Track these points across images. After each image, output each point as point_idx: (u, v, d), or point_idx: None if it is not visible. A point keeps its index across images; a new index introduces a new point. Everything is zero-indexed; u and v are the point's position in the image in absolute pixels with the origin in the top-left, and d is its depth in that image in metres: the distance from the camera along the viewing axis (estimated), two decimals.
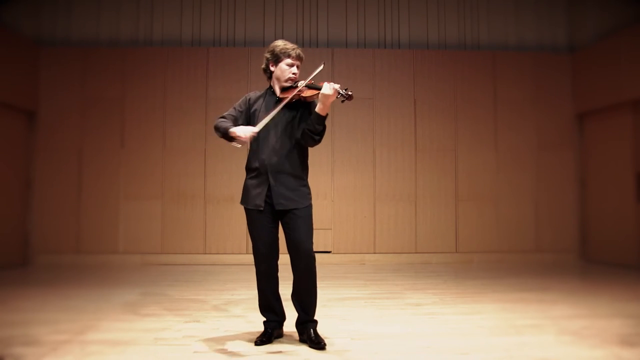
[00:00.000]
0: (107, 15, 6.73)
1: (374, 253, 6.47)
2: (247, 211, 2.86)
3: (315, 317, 2.85)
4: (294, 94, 2.75)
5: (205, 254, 6.36)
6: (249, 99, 2.91)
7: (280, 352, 2.68)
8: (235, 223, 6.40)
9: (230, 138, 2.72)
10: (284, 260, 2.85)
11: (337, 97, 2.65)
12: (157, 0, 6.76)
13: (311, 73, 2.78)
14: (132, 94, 6.51)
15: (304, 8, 6.87)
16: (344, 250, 6.42)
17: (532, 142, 6.73)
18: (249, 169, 2.90)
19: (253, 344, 2.78)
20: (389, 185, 6.58)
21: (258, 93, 2.95)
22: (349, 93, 2.64)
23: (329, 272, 5.55)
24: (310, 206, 2.83)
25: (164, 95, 6.53)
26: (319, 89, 2.67)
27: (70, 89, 6.46)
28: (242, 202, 2.90)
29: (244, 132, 2.67)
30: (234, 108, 2.89)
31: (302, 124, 2.77)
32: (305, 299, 2.80)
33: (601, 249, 6.37)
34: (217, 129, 2.79)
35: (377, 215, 6.52)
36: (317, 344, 2.71)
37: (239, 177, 6.43)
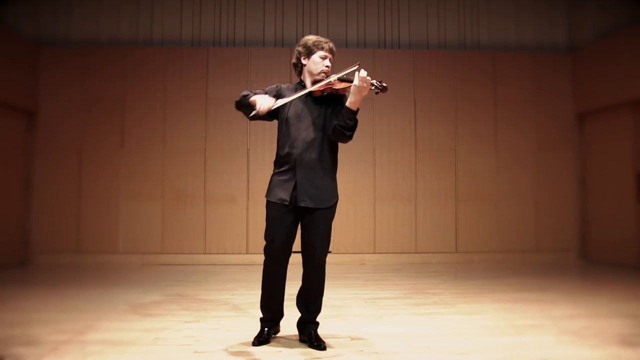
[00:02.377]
0: (107, 15, 6.73)
1: (374, 253, 6.47)
2: (269, 205, 2.77)
3: (317, 319, 2.85)
4: (325, 83, 2.67)
5: (205, 254, 6.36)
6: (280, 88, 2.85)
7: (280, 352, 2.68)
8: (235, 223, 6.40)
9: (248, 107, 2.68)
10: (293, 260, 2.83)
11: (370, 89, 2.59)
12: (157, 0, 6.77)
13: (343, 70, 2.74)
14: (132, 94, 6.51)
15: (304, 8, 6.87)
16: (344, 250, 6.42)
17: (532, 142, 6.73)
18: (277, 162, 2.81)
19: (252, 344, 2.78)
20: (389, 185, 6.58)
21: (288, 86, 2.89)
22: (384, 84, 2.58)
23: (329, 272, 5.49)
24: (334, 206, 2.78)
25: (164, 95, 6.53)
26: (352, 81, 2.60)
27: (70, 89, 6.46)
28: (267, 195, 2.80)
29: (262, 102, 2.62)
30: (262, 89, 2.83)
31: (333, 117, 2.69)
32: (313, 301, 2.80)
33: (601, 249, 6.37)
34: (239, 99, 2.75)
35: (377, 215, 6.52)
36: (318, 345, 2.71)
37: (239, 177, 6.49)
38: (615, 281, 4.97)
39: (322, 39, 2.82)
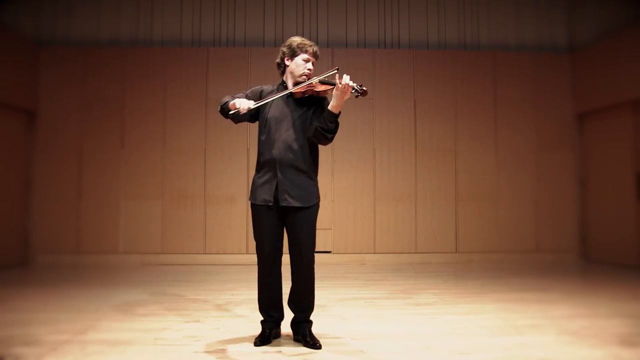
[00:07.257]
0: (107, 15, 6.73)
1: (374, 253, 6.47)
2: (254, 207, 2.80)
3: (311, 318, 2.85)
4: (306, 85, 2.71)
5: (205, 254, 6.36)
6: (261, 91, 2.88)
7: (280, 352, 2.68)
8: (235, 223, 6.40)
9: (228, 110, 2.72)
10: (283, 260, 2.84)
11: (351, 93, 2.62)
12: (157, 0, 6.77)
13: (323, 73, 2.77)
14: (132, 94, 6.51)
15: (304, 8, 6.87)
16: (344, 250, 6.42)
17: (532, 142, 6.74)
18: (258, 163, 2.84)
19: (252, 345, 2.78)
20: (389, 185, 6.58)
21: (270, 87, 2.91)
22: (364, 88, 2.62)
23: (329, 272, 5.55)
24: (316, 205, 2.79)
25: (164, 95, 6.53)
26: (333, 84, 2.64)
27: (70, 89, 6.46)
28: (251, 197, 2.84)
29: (241, 103, 2.65)
30: (243, 93, 2.87)
31: (315, 120, 2.73)
32: (304, 300, 2.80)
33: (601, 249, 6.37)
34: (221, 105, 2.80)
35: (377, 215, 6.52)
36: (313, 344, 2.71)
37: (239, 177, 6.49)
38: (615, 281, 4.97)
39: (307, 42, 2.83)
